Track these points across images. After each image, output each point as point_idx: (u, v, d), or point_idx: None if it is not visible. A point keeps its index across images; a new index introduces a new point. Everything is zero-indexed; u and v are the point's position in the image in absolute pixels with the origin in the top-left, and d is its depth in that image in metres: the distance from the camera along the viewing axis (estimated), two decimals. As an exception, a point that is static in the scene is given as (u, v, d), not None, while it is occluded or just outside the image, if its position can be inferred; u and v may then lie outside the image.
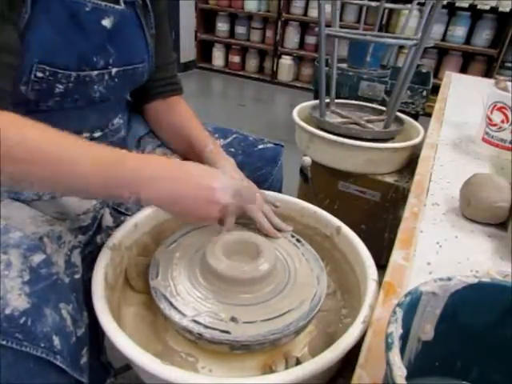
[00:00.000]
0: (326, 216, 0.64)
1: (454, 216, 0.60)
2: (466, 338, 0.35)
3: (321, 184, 1.14)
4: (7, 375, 0.36)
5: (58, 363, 0.39)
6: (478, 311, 0.33)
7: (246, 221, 0.64)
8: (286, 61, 3.50)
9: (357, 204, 1.13)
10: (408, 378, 0.24)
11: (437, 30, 2.90)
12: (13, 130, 0.42)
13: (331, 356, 0.40)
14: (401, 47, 2.68)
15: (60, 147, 0.44)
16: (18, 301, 0.38)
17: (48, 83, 0.53)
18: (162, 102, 0.76)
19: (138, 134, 0.76)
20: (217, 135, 0.78)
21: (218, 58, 3.80)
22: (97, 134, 0.65)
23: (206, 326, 0.46)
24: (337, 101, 1.30)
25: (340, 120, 1.18)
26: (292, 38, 3.46)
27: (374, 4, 1.99)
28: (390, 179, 1.08)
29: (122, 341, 0.41)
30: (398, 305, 0.30)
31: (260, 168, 0.77)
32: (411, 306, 0.31)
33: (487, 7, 2.76)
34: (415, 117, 1.76)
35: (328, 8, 1.11)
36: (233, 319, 0.47)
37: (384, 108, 1.27)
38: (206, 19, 3.74)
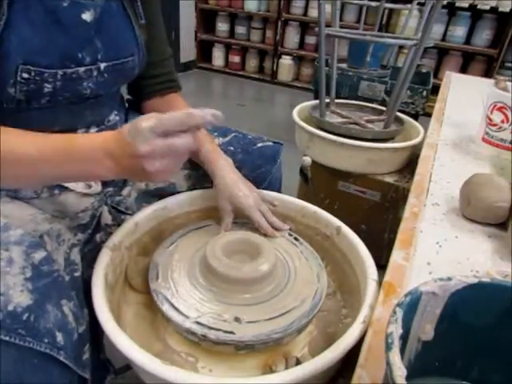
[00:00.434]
0: (326, 216, 0.64)
1: (454, 216, 0.60)
2: (466, 338, 0.35)
3: (321, 184, 1.14)
4: (11, 371, 0.36)
5: (61, 359, 0.40)
6: (478, 311, 0.33)
7: (244, 220, 0.64)
8: (286, 61, 3.50)
9: (357, 204, 1.13)
10: (408, 377, 0.24)
11: (437, 30, 2.90)
12: None
13: (331, 356, 0.40)
14: (401, 47, 2.68)
15: (20, 145, 0.46)
16: (20, 297, 0.39)
17: (35, 83, 0.53)
18: (159, 99, 0.75)
19: None
20: (216, 134, 0.78)
21: (218, 57, 3.80)
22: (93, 131, 0.65)
23: (210, 327, 0.46)
24: (337, 101, 1.30)
25: (340, 120, 1.18)
26: (292, 38, 3.46)
27: (374, 4, 1.99)
28: (389, 179, 1.08)
29: (122, 341, 0.41)
30: (398, 305, 0.30)
31: (259, 166, 0.77)
32: (411, 306, 0.31)
33: (487, 7, 2.76)
34: (415, 117, 1.76)
35: (328, 8, 1.11)
36: (236, 319, 0.47)
37: (384, 108, 1.27)
38: (206, 19, 3.74)
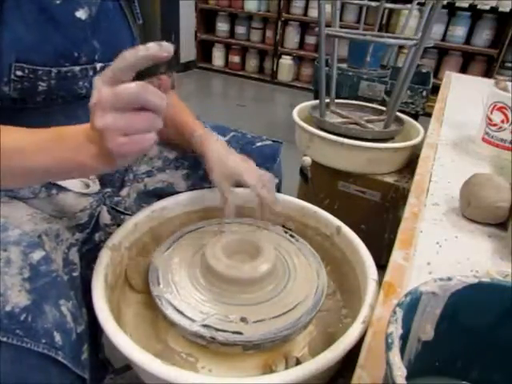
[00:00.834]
0: (326, 216, 0.64)
1: (454, 216, 0.60)
2: (466, 338, 0.35)
3: (321, 184, 1.14)
4: (9, 371, 0.36)
5: (59, 359, 0.39)
6: (478, 311, 0.33)
7: (244, 220, 0.64)
8: (286, 61, 3.50)
9: (357, 204, 1.13)
10: (408, 378, 0.24)
11: (437, 30, 2.90)
12: None
13: (331, 356, 0.40)
14: (401, 47, 2.68)
15: (6, 139, 0.45)
16: (18, 297, 0.39)
17: (29, 81, 0.53)
18: None
19: None
20: (214, 133, 0.78)
21: (217, 57, 3.80)
22: None
23: (218, 329, 0.45)
24: (337, 101, 1.30)
25: (340, 120, 1.18)
26: (292, 38, 3.46)
27: (374, 4, 1.99)
28: (389, 179, 1.08)
29: (122, 341, 0.41)
30: (398, 305, 0.30)
31: (259, 165, 0.77)
32: (411, 306, 0.31)
33: (487, 7, 2.76)
34: (415, 117, 1.76)
35: (328, 8, 1.11)
36: (242, 319, 0.47)
37: (384, 108, 1.27)
38: (206, 19, 3.74)
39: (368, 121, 1.18)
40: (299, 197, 0.69)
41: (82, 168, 0.44)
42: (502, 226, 0.58)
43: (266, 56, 3.64)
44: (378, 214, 1.11)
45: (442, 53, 3.04)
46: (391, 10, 2.92)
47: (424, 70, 2.08)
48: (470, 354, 0.35)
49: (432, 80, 1.92)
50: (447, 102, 1.17)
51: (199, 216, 0.68)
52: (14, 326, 0.37)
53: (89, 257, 0.55)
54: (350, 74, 1.87)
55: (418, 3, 1.82)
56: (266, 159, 0.78)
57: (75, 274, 0.52)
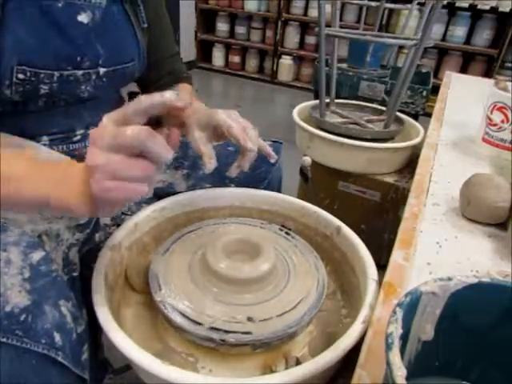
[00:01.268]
0: (326, 216, 0.64)
1: (454, 216, 0.60)
2: (466, 338, 0.35)
3: (321, 184, 1.14)
4: (10, 372, 0.36)
5: (59, 359, 0.39)
6: (478, 311, 0.33)
7: (244, 220, 0.64)
8: (286, 61, 3.50)
9: (357, 204, 1.13)
10: (408, 378, 0.24)
11: (437, 30, 2.90)
12: None
13: (331, 356, 0.40)
14: (401, 47, 2.68)
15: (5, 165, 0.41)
16: (18, 298, 0.39)
17: (31, 84, 0.53)
18: None
19: None
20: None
21: (217, 57, 3.80)
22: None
23: (227, 331, 0.45)
24: (337, 101, 1.30)
25: (340, 120, 1.18)
26: (292, 38, 3.46)
27: (373, 4, 1.99)
28: (390, 179, 1.08)
29: (122, 341, 0.41)
30: (398, 305, 0.30)
31: (258, 166, 0.77)
32: (411, 306, 0.31)
33: (487, 7, 2.76)
34: (415, 117, 1.76)
35: (328, 8, 1.11)
36: (249, 319, 0.47)
37: (384, 108, 1.27)
38: (206, 19, 3.74)
39: (368, 121, 1.18)
40: (299, 197, 0.69)
41: (62, 208, 0.40)
42: (502, 226, 0.58)
43: (266, 56, 3.65)
44: (378, 214, 1.11)
45: (442, 53, 3.04)
46: (391, 10, 2.92)
47: (424, 70, 2.08)
48: (469, 354, 0.35)
49: (432, 80, 1.92)
50: (447, 102, 1.17)
51: (199, 216, 0.68)
52: (14, 327, 0.37)
53: (89, 257, 0.55)
54: (350, 73, 1.87)
55: (418, 3, 1.82)
56: (266, 160, 0.78)
57: (75, 274, 0.52)
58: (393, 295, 0.45)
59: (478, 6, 2.78)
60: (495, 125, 0.80)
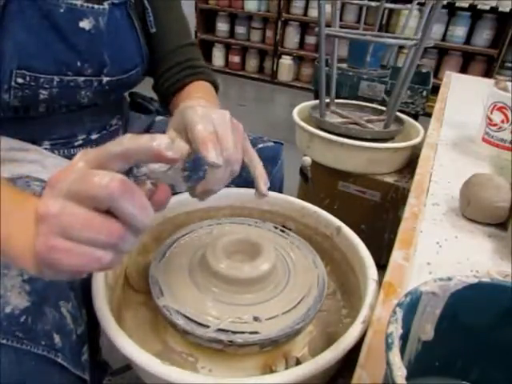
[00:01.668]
0: (326, 216, 0.64)
1: (454, 216, 0.60)
2: (466, 338, 0.35)
3: (321, 184, 1.14)
4: (10, 373, 0.36)
5: (59, 360, 0.40)
6: (478, 311, 0.33)
7: (244, 220, 0.64)
8: (286, 61, 3.50)
9: (357, 204, 1.13)
10: (408, 378, 0.24)
11: (437, 30, 2.90)
12: None
13: (331, 356, 0.40)
14: (401, 47, 2.68)
15: None
16: (18, 299, 0.39)
17: (30, 89, 0.52)
18: (181, 93, 0.67)
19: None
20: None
21: (218, 57, 3.80)
22: (94, 136, 0.65)
23: (234, 332, 0.45)
24: (337, 101, 1.30)
25: (340, 120, 1.18)
26: (292, 38, 3.46)
27: (373, 4, 1.99)
28: (390, 179, 1.08)
29: (122, 341, 0.41)
30: (398, 305, 0.30)
31: None
32: (411, 306, 0.31)
33: (487, 7, 2.76)
34: (415, 117, 1.76)
35: (328, 8, 1.11)
36: (255, 318, 0.47)
37: (384, 108, 1.27)
38: (206, 19, 3.74)
39: (368, 121, 1.18)
40: (299, 197, 0.69)
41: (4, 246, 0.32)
42: (502, 225, 0.58)
43: (266, 56, 3.65)
44: (378, 214, 1.11)
45: (441, 53, 3.04)
46: (391, 10, 2.92)
47: (424, 70, 2.08)
48: (469, 354, 0.35)
49: (432, 80, 1.92)
50: (447, 102, 1.17)
51: (199, 216, 0.68)
52: (14, 328, 0.37)
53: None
54: (350, 73, 1.87)
55: (418, 3, 1.82)
56: (268, 161, 0.78)
57: (75, 275, 0.51)
58: (393, 295, 0.45)
59: (478, 6, 2.78)
60: (495, 125, 0.80)
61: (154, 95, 0.77)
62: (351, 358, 0.41)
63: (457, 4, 2.82)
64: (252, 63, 3.70)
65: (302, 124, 1.13)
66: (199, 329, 0.45)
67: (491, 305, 0.33)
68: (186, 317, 0.47)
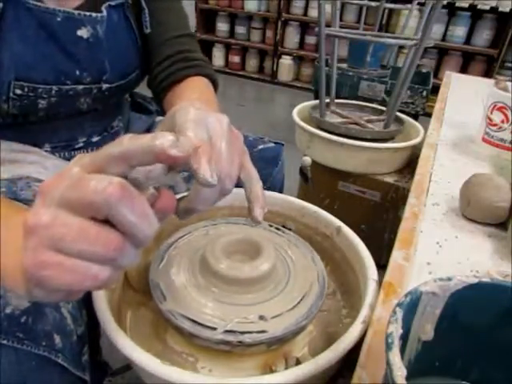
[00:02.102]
0: (326, 216, 0.64)
1: (454, 216, 0.60)
2: (466, 338, 0.35)
3: (321, 184, 1.14)
4: (10, 374, 0.36)
5: (59, 361, 0.40)
6: (478, 311, 0.33)
7: (229, 220, 0.64)
8: (286, 61, 3.50)
9: (357, 204, 1.13)
10: (408, 378, 0.24)
11: (437, 30, 2.90)
12: None
13: (331, 356, 0.40)
14: (401, 47, 2.68)
15: None
16: (18, 300, 0.39)
17: (29, 99, 0.52)
18: (176, 87, 0.63)
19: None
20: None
21: (218, 57, 3.80)
22: (95, 139, 0.65)
23: (242, 332, 0.45)
24: (337, 101, 1.30)
25: (340, 120, 1.18)
26: (292, 38, 3.46)
27: (373, 4, 1.99)
28: (390, 179, 1.08)
29: (122, 341, 0.41)
30: (398, 305, 0.30)
31: (260, 169, 0.76)
32: (411, 306, 0.31)
33: (487, 7, 2.76)
34: (415, 117, 1.76)
35: (328, 8, 1.11)
36: (261, 317, 0.47)
37: (384, 108, 1.27)
38: (206, 19, 3.74)
39: (368, 121, 1.18)
40: (299, 197, 0.69)
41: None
42: (502, 225, 0.58)
43: (266, 56, 3.65)
44: (378, 214, 1.12)
45: (441, 53, 3.04)
46: (391, 10, 2.92)
47: (424, 70, 2.08)
48: (469, 354, 0.35)
49: (432, 80, 1.92)
50: (447, 102, 1.17)
51: (199, 216, 0.68)
52: (15, 329, 0.37)
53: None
54: (350, 73, 1.87)
55: (418, 3, 1.82)
56: (268, 162, 0.78)
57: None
58: (393, 295, 0.45)
59: (478, 6, 2.78)
60: (495, 125, 0.80)
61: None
62: (351, 358, 0.41)
63: (457, 4, 2.82)
64: (252, 63, 3.70)
65: (302, 124, 1.13)
66: (206, 331, 0.45)
67: (491, 305, 0.33)
68: (191, 320, 0.46)
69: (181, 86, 0.62)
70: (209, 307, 0.48)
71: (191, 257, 0.55)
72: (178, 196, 0.38)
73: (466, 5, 2.81)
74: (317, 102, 1.20)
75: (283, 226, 0.65)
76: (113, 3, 0.57)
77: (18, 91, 0.50)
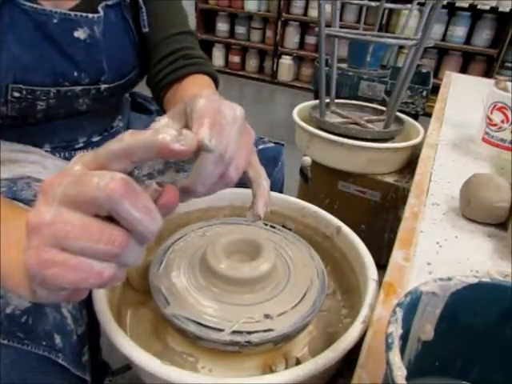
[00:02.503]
0: (326, 216, 0.64)
1: (454, 216, 0.60)
2: (466, 338, 0.35)
3: (321, 184, 1.14)
4: (10, 374, 0.36)
5: (60, 361, 0.40)
6: (478, 311, 0.33)
7: (224, 220, 0.64)
8: (286, 61, 3.50)
9: (357, 204, 1.13)
10: (408, 378, 0.24)
11: (437, 30, 2.90)
12: None
13: (331, 356, 0.40)
14: (401, 47, 2.68)
15: None
16: (19, 299, 0.39)
17: (27, 101, 0.52)
18: (177, 86, 0.61)
19: None
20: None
21: (218, 57, 3.80)
22: (95, 139, 0.64)
23: (250, 332, 0.45)
24: (337, 101, 1.30)
25: (340, 120, 1.18)
26: (292, 38, 3.46)
27: (373, 4, 1.99)
28: (390, 179, 1.08)
29: (122, 341, 0.41)
30: (398, 305, 0.30)
31: None
32: (411, 306, 0.31)
33: (487, 7, 2.76)
34: (415, 117, 1.76)
35: (328, 8, 1.11)
36: (266, 316, 0.47)
37: (384, 108, 1.27)
38: (206, 19, 3.74)
39: (368, 121, 1.18)
40: (299, 197, 0.69)
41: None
42: (502, 226, 0.58)
43: (266, 56, 3.65)
44: (378, 214, 1.12)
45: (441, 53, 3.04)
46: (391, 10, 2.92)
47: (424, 70, 2.08)
48: (469, 354, 0.35)
49: (432, 80, 1.92)
50: (447, 102, 1.17)
51: (200, 216, 0.68)
52: (15, 328, 0.37)
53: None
54: (350, 73, 1.87)
55: (418, 3, 1.82)
56: (268, 162, 0.78)
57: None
58: (393, 295, 0.45)
59: (478, 6, 2.78)
60: (495, 125, 0.80)
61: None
62: (351, 358, 0.41)
63: (457, 4, 2.82)
64: (252, 63, 3.70)
65: (302, 124, 1.13)
66: (214, 333, 0.45)
67: (491, 305, 0.33)
68: (197, 323, 0.46)
69: (182, 84, 0.61)
70: (212, 309, 0.48)
71: (190, 258, 0.55)
72: None
73: (465, 5, 2.81)
74: (317, 102, 1.20)
75: (283, 226, 0.65)
76: (109, 3, 0.56)
77: (16, 94, 0.50)
